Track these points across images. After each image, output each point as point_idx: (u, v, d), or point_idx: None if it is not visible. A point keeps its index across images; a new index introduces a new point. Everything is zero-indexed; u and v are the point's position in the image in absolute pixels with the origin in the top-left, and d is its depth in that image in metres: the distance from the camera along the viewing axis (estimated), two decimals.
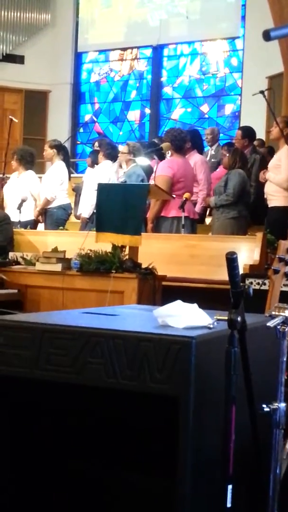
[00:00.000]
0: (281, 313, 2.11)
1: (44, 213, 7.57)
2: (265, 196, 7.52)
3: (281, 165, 6.35)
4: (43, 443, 2.45)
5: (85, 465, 2.48)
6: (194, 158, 7.80)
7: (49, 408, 2.43)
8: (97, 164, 8.01)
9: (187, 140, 7.36)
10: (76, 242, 5.25)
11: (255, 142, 7.98)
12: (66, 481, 2.48)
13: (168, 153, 7.16)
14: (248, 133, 7.60)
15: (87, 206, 7.53)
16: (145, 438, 2.37)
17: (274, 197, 6.48)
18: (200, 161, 7.74)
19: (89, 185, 7.58)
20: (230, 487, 1.83)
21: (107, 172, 7.35)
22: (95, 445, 2.47)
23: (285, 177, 6.35)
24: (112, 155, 7.62)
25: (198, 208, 7.32)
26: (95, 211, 7.08)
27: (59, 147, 7.70)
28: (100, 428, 2.45)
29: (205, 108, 12.87)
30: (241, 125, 10.07)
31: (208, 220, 7.76)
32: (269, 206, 6.64)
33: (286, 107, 9.44)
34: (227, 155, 6.83)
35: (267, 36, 1.90)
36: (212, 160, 8.47)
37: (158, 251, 5.55)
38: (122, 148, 7.85)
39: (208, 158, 8.45)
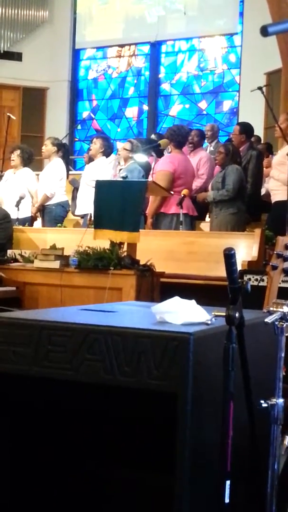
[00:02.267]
0: (279, 309, 2.12)
1: (42, 210, 7.57)
2: (263, 193, 7.53)
3: (286, 162, 6.31)
4: (42, 440, 2.46)
5: (84, 461, 2.48)
6: (200, 154, 7.84)
7: (48, 404, 2.43)
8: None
9: (187, 136, 7.37)
10: (74, 239, 5.25)
11: (252, 139, 7.98)
12: (66, 477, 2.48)
13: (168, 149, 7.17)
14: (246, 129, 7.59)
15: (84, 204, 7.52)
16: (144, 434, 2.37)
17: (278, 191, 6.47)
18: (206, 157, 7.78)
19: (88, 183, 7.56)
20: (228, 482, 1.83)
21: (107, 168, 7.32)
22: (94, 442, 2.47)
23: None
24: (109, 152, 7.61)
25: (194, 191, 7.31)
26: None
27: (60, 146, 7.71)
28: (100, 424, 2.46)
29: (203, 104, 12.85)
30: (239, 121, 10.06)
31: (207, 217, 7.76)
32: (273, 201, 6.63)
33: (284, 103, 9.43)
34: (221, 152, 6.80)
35: (264, 31, 1.90)
36: (211, 156, 8.47)
37: (156, 248, 5.56)
38: (124, 144, 7.84)
39: None
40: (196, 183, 7.48)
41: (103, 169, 7.29)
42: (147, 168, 7.56)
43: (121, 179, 5.47)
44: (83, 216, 7.37)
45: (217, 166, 7.42)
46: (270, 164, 6.76)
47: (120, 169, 7.42)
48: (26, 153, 7.76)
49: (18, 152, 7.74)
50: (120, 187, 5.09)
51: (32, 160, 7.94)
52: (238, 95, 12.25)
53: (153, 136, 8.87)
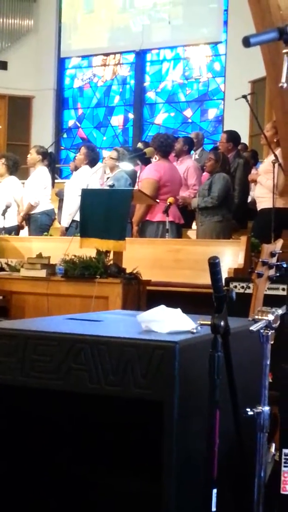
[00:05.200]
0: (264, 317, 2.12)
1: (28, 218, 7.55)
2: (249, 200, 7.56)
3: (272, 170, 6.34)
4: (30, 449, 2.45)
5: (72, 469, 2.48)
6: (187, 163, 7.83)
7: (35, 414, 2.43)
8: None
9: (173, 144, 7.39)
10: (61, 247, 5.24)
11: (239, 147, 8.01)
12: (52, 485, 2.47)
13: (155, 158, 7.18)
14: (233, 137, 7.63)
15: (66, 215, 7.50)
16: (131, 441, 2.37)
17: (264, 199, 6.50)
18: (193, 167, 7.78)
19: (68, 192, 7.55)
20: (214, 491, 1.84)
21: (86, 177, 7.32)
22: (82, 450, 2.47)
23: (281, 182, 6.35)
24: (93, 162, 7.61)
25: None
26: (75, 218, 7.08)
27: (45, 154, 7.70)
28: (88, 433, 2.45)
29: (188, 112, 12.90)
30: (225, 129, 10.11)
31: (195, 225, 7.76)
32: (259, 208, 6.65)
33: (269, 111, 9.48)
34: (212, 158, 6.82)
35: (246, 42, 1.92)
36: (198, 164, 8.49)
37: (142, 256, 5.55)
38: (110, 153, 7.83)
39: None
40: (188, 194, 7.50)
41: (86, 178, 7.28)
42: (133, 177, 7.56)
43: (108, 188, 5.48)
44: (68, 228, 7.34)
45: (205, 172, 7.44)
46: (253, 179, 6.79)
47: (107, 178, 7.42)
48: (11, 161, 7.75)
49: (2, 160, 7.73)
50: (106, 195, 5.09)
51: (18, 167, 7.92)
52: (223, 103, 12.31)
53: (139, 145, 8.89)
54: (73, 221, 7.20)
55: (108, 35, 13.40)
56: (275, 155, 6.28)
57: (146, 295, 4.94)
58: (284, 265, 2.80)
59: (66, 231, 7.31)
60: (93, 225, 4.90)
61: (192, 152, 8.79)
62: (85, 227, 4.97)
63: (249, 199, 7.58)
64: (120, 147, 9.00)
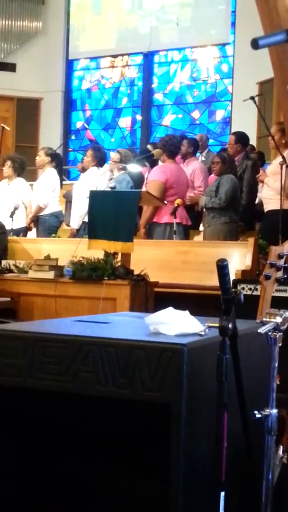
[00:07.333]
0: (272, 319, 2.12)
1: (36, 220, 7.57)
2: (256, 202, 7.56)
3: (279, 172, 6.34)
4: (37, 451, 2.45)
5: (79, 471, 2.48)
6: (194, 164, 7.84)
7: (42, 416, 2.43)
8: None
9: (180, 145, 7.39)
10: (69, 249, 5.25)
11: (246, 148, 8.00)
12: (60, 487, 2.48)
13: (161, 159, 7.18)
14: (242, 138, 7.62)
15: (76, 217, 7.50)
16: (140, 444, 2.37)
17: (271, 200, 6.49)
18: (199, 169, 7.78)
19: (78, 194, 7.56)
20: (222, 493, 1.84)
21: (94, 179, 7.33)
22: (89, 452, 2.47)
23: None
24: (102, 162, 7.62)
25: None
26: (85, 220, 7.09)
27: (54, 156, 7.71)
28: (95, 435, 2.45)
29: (196, 114, 12.91)
30: (232, 131, 10.10)
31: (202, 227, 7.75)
32: (266, 210, 6.65)
33: (277, 112, 9.48)
34: (218, 161, 6.81)
35: (255, 44, 1.92)
36: (204, 166, 8.49)
37: (150, 258, 5.56)
38: (113, 155, 7.84)
39: None
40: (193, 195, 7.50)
41: (94, 179, 7.29)
42: (138, 179, 7.56)
43: (110, 190, 5.49)
44: (78, 229, 7.35)
45: (213, 175, 7.43)
46: (261, 179, 6.79)
47: (111, 179, 7.43)
48: (17, 163, 7.76)
49: (8, 163, 7.74)
50: (114, 197, 5.10)
51: (25, 168, 7.93)
52: (231, 104, 12.30)
53: (149, 146, 8.90)
54: (83, 222, 7.21)
55: (116, 36, 13.41)
56: (283, 157, 6.27)
57: (154, 296, 4.94)
58: None
59: (77, 233, 7.33)
60: (101, 227, 4.91)
61: (198, 154, 8.79)
62: (93, 229, 4.98)
63: (257, 201, 7.57)
64: (127, 148, 9.00)
